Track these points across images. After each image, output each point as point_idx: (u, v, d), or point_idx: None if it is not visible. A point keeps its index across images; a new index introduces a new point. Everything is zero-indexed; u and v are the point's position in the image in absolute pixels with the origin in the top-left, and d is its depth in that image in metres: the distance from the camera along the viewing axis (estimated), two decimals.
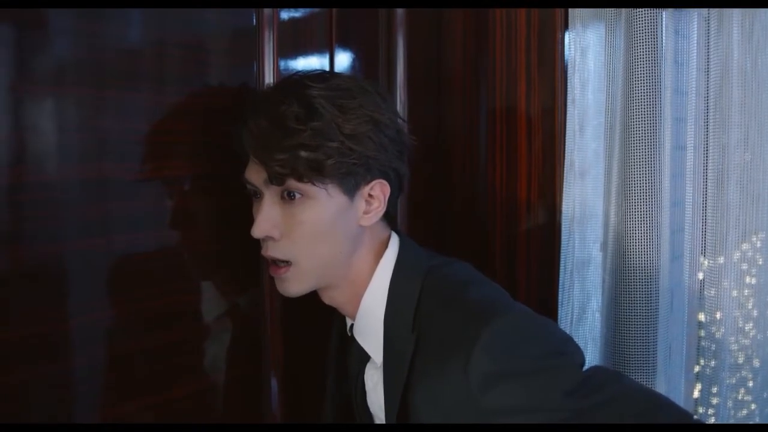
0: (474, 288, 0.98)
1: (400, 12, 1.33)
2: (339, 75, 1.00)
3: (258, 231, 0.96)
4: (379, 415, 1.06)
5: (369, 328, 1.02)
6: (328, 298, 1.05)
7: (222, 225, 1.06)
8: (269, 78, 1.09)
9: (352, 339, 1.06)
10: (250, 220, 1.09)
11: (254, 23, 1.08)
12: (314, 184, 0.93)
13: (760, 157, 1.19)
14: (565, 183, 1.36)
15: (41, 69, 0.82)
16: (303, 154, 0.91)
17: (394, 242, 1.04)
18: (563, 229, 1.37)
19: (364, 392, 1.08)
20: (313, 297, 1.20)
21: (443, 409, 0.94)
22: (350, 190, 0.96)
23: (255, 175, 0.96)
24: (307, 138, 0.91)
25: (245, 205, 1.09)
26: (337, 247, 0.98)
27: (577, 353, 0.95)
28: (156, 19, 0.95)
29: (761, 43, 1.17)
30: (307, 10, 1.17)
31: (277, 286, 1.01)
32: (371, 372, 1.06)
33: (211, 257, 1.05)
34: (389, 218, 1.05)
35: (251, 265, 1.10)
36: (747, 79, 1.18)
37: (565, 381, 0.89)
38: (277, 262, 0.97)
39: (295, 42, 1.14)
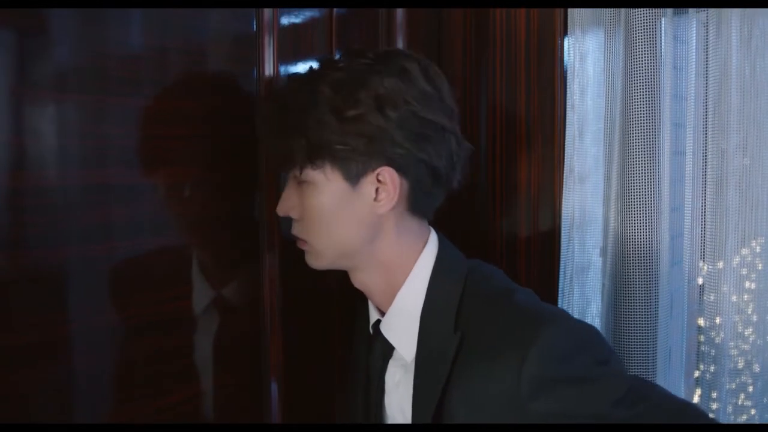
0: (520, 294, 0.98)
1: (400, 17, 1.34)
2: (365, 53, 0.97)
3: (279, 209, 1.01)
4: (396, 416, 1.05)
5: (402, 323, 1.01)
6: (358, 282, 1.04)
7: (222, 231, 1.06)
8: (269, 83, 1.09)
9: (375, 335, 1.05)
10: (251, 226, 1.10)
11: (254, 29, 1.08)
12: (312, 170, 0.94)
13: (759, 162, 1.19)
14: (564, 188, 1.36)
15: (42, 74, 0.82)
16: (296, 140, 0.93)
17: (434, 239, 1.04)
18: (563, 234, 1.37)
19: (383, 391, 1.06)
20: (314, 302, 1.20)
21: (482, 410, 0.92)
22: (352, 176, 0.95)
23: None
24: (301, 124, 0.92)
25: (246, 211, 1.09)
26: (349, 231, 0.98)
27: (620, 362, 0.95)
28: (157, 24, 0.95)
29: (760, 48, 1.17)
30: (307, 15, 1.17)
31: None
32: (393, 370, 1.05)
33: (210, 263, 1.05)
34: (420, 211, 1.02)
35: (251, 271, 1.10)
36: (745, 84, 1.18)
37: (614, 390, 0.89)
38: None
39: (295, 47, 1.15)
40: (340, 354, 1.25)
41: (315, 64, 0.99)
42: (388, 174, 0.95)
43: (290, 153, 0.94)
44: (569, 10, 1.34)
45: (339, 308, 1.24)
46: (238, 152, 1.07)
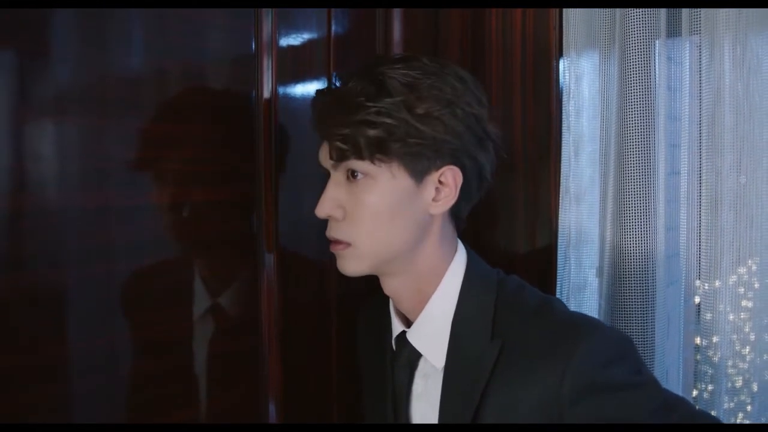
0: (557, 303, 0.99)
1: (397, 38, 1.35)
2: (419, 57, 0.97)
3: (320, 210, 0.96)
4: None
5: (432, 331, 0.99)
6: (389, 288, 1.02)
7: (221, 251, 1.06)
8: (268, 104, 1.10)
9: (401, 348, 1.04)
10: (249, 246, 1.09)
11: (253, 50, 1.09)
12: (376, 164, 0.91)
13: (753, 181, 1.20)
14: (561, 208, 1.37)
15: (43, 96, 0.82)
16: (366, 130, 0.90)
17: (462, 248, 1.03)
18: (559, 254, 1.37)
19: (409, 401, 1.05)
20: (312, 321, 1.20)
21: (517, 419, 0.91)
22: (418, 173, 0.93)
23: (323, 154, 0.96)
24: (372, 115, 0.90)
25: (245, 230, 1.09)
26: (402, 232, 0.95)
27: (651, 373, 0.95)
28: (157, 47, 0.96)
29: (753, 68, 1.19)
30: (306, 36, 1.18)
31: (337, 262, 0.99)
32: (418, 380, 1.04)
33: (209, 283, 1.05)
34: (459, 218, 1.02)
35: (250, 291, 1.10)
36: (739, 104, 1.19)
37: (651, 399, 0.89)
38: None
39: (294, 68, 1.15)
40: (340, 375, 1.25)
41: (374, 60, 0.98)
42: (451, 174, 0.95)
43: (356, 144, 0.90)
44: (564, 32, 1.35)
45: (338, 329, 1.24)
46: (237, 173, 1.08)
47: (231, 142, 1.06)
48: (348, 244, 0.95)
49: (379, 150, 0.90)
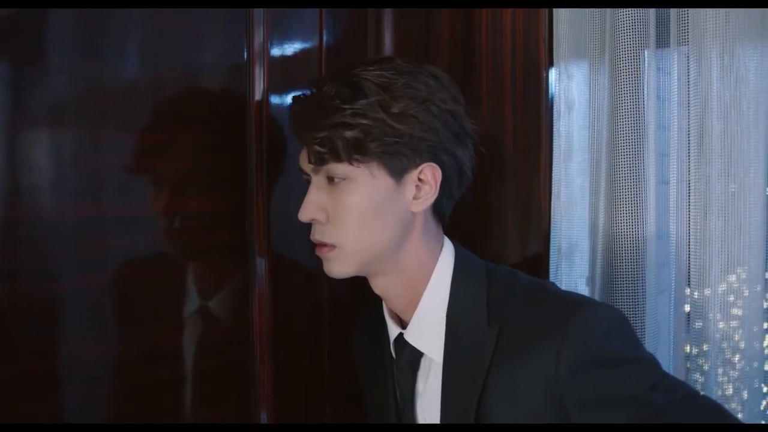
0: (550, 285, 1.01)
1: (388, 47, 1.35)
2: (393, 58, 0.98)
3: (303, 214, 0.96)
4: (427, 420, 1.04)
5: (429, 327, 1.00)
6: (379, 287, 1.02)
7: (214, 261, 1.05)
8: (260, 112, 1.10)
9: (400, 351, 1.04)
10: (242, 255, 1.09)
11: (245, 59, 1.09)
12: (354, 165, 0.92)
13: (742, 188, 1.21)
14: (552, 217, 1.37)
15: (38, 107, 0.81)
16: (343, 132, 0.90)
17: (449, 242, 1.04)
18: (551, 263, 1.38)
19: (414, 399, 1.05)
20: (304, 332, 1.19)
21: (521, 400, 0.92)
22: (397, 172, 0.94)
23: (303, 159, 0.97)
24: (348, 116, 0.90)
25: (238, 239, 1.08)
26: (386, 231, 0.96)
27: (649, 351, 0.96)
28: (150, 57, 0.95)
29: (740, 77, 1.20)
30: (297, 45, 1.18)
31: (324, 266, 0.99)
32: (422, 379, 1.04)
33: (202, 292, 1.04)
34: (442, 214, 1.02)
35: (242, 301, 1.10)
36: (727, 112, 1.21)
37: (652, 374, 0.89)
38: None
39: (285, 77, 1.15)
40: (332, 383, 1.24)
41: (348, 64, 0.98)
42: (431, 171, 0.96)
43: (334, 146, 0.91)
44: (554, 42, 1.36)
45: (330, 339, 1.24)
46: (230, 180, 1.07)
47: (223, 150, 1.06)
48: (333, 246, 0.96)
49: (356, 151, 0.91)
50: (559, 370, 0.88)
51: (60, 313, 0.84)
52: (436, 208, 1.01)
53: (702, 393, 0.97)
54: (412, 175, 0.95)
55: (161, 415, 0.97)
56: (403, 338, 1.03)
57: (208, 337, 1.05)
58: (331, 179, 0.95)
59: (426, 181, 0.96)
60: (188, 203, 1.01)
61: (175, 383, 1.00)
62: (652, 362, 0.92)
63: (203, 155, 1.03)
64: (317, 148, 0.92)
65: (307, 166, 0.97)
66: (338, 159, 0.92)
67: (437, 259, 1.01)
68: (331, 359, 1.24)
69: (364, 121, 0.90)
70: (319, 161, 0.93)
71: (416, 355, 1.02)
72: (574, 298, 0.96)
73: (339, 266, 0.98)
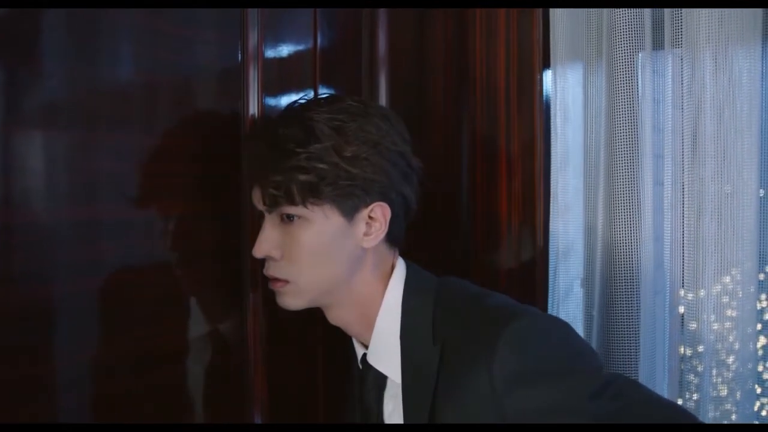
0: (489, 297, 1.01)
1: (382, 51, 1.35)
2: (343, 98, 1.01)
3: (258, 251, 0.98)
4: None
5: (386, 349, 1.01)
6: (334, 318, 1.05)
7: (208, 266, 1.05)
8: (254, 117, 1.09)
9: (366, 370, 1.05)
10: (236, 262, 1.08)
11: (239, 63, 1.08)
12: (309, 207, 0.94)
13: (735, 190, 1.22)
14: (550, 220, 1.37)
15: (31, 110, 0.80)
16: (298, 176, 0.92)
17: (401, 264, 1.05)
18: (550, 266, 1.38)
19: (381, 419, 1.06)
20: (298, 336, 1.18)
21: (473, 418, 0.92)
22: (348, 212, 0.96)
23: (257, 197, 0.98)
24: (303, 160, 0.92)
25: (231, 246, 1.08)
26: (337, 267, 0.99)
27: (595, 356, 0.96)
28: (145, 61, 0.94)
29: (733, 78, 1.21)
30: (292, 48, 1.17)
31: (276, 299, 1.01)
32: (387, 400, 1.05)
33: (196, 298, 1.03)
34: (394, 241, 1.04)
35: (236, 306, 1.09)
36: (721, 114, 1.21)
37: (590, 383, 0.89)
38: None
39: (279, 80, 1.15)
40: (326, 390, 1.24)
41: (300, 104, 1.01)
42: (380, 209, 0.98)
43: (289, 190, 0.93)
44: (550, 45, 1.36)
45: (324, 343, 1.23)
46: (224, 188, 1.07)
47: (218, 153, 1.05)
48: (286, 282, 0.99)
49: (311, 194, 0.93)
50: (494, 385, 0.89)
51: (54, 316, 0.83)
52: (390, 238, 1.03)
53: (665, 397, 0.97)
54: (363, 214, 0.98)
55: (156, 419, 0.96)
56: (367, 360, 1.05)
57: (202, 341, 1.04)
58: (285, 218, 0.97)
59: (376, 218, 0.99)
60: (182, 207, 1.00)
61: (169, 389, 1.00)
62: (591, 371, 0.92)
63: (197, 158, 1.02)
64: (272, 191, 0.94)
65: (261, 205, 0.98)
66: (293, 203, 0.94)
67: (387, 284, 1.03)
68: (325, 365, 1.24)
69: (319, 165, 0.93)
70: (274, 204, 0.95)
71: (381, 377, 1.04)
72: (507, 311, 0.96)
73: (292, 300, 1.00)
